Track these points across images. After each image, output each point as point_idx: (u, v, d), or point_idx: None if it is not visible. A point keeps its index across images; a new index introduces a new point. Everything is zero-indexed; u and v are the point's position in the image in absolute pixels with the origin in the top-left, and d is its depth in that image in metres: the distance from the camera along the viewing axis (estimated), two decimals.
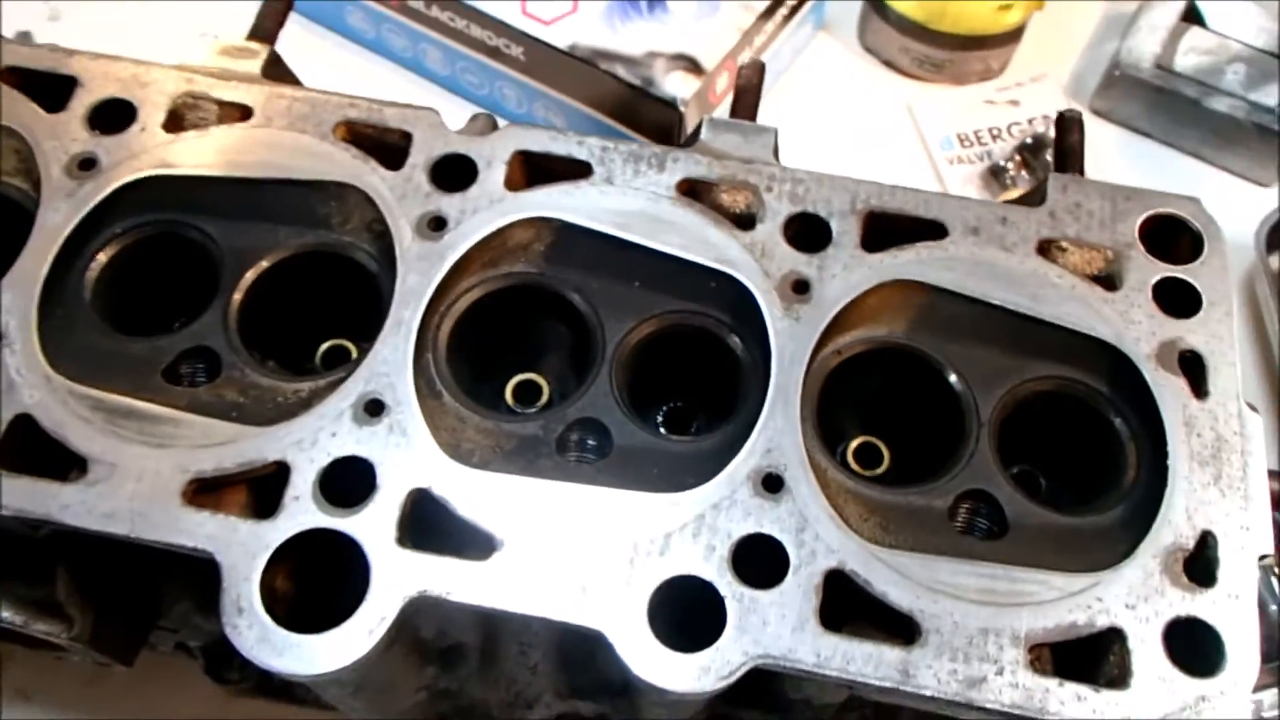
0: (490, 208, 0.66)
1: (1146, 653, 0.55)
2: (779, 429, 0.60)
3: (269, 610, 0.55)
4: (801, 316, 0.63)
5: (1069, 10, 1.32)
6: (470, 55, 1.13)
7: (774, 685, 0.64)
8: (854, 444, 0.68)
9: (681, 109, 1.02)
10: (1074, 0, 1.33)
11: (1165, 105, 1.18)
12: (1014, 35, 1.21)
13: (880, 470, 0.68)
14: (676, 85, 1.03)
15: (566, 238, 0.66)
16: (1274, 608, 0.89)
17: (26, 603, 0.62)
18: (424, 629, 0.64)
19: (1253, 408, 0.61)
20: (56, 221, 0.65)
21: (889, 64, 1.26)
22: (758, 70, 0.74)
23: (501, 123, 0.70)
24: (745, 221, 0.66)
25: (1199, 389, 0.62)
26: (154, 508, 0.57)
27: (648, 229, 0.65)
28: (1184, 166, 1.20)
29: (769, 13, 1.11)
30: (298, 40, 0.91)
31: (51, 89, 0.69)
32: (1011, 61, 1.25)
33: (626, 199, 0.66)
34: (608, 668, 0.62)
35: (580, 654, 0.69)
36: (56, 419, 0.59)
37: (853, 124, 1.20)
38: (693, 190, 0.67)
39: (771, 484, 0.58)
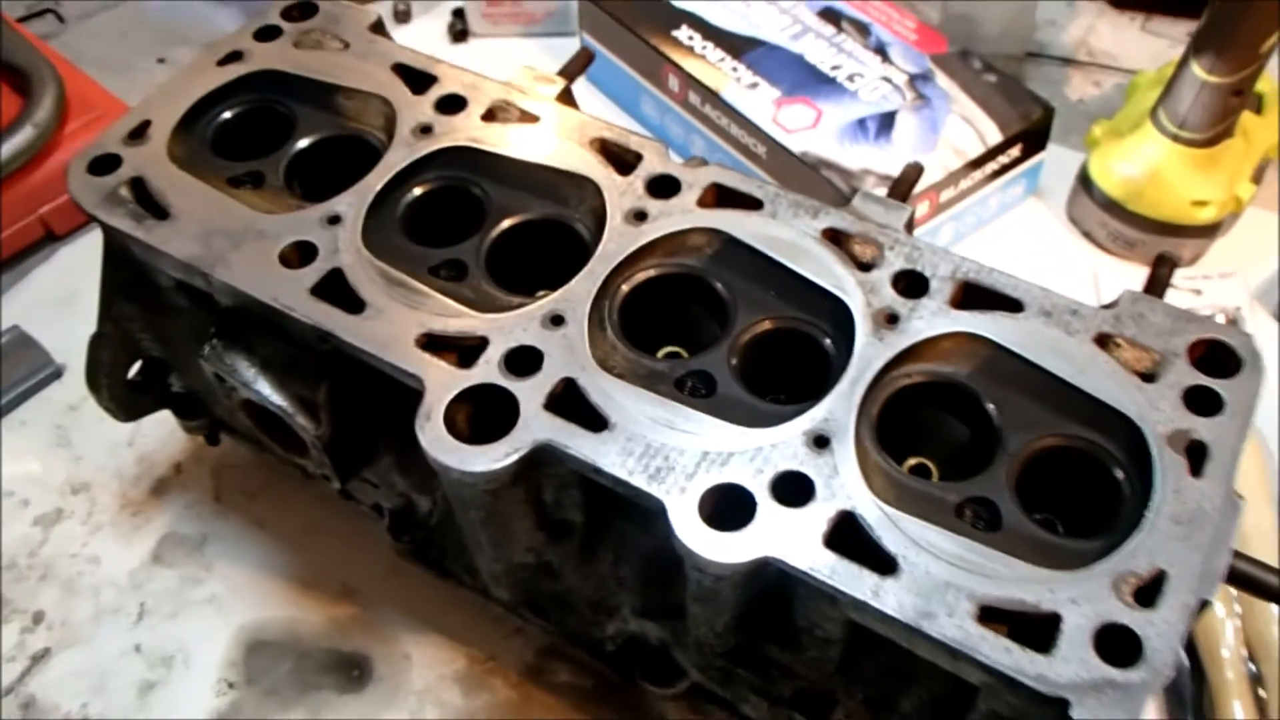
0: (681, 215, 0.89)
1: (1076, 637, 0.67)
2: (839, 407, 0.78)
3: (447, 425, 0.78)
4: (885, 339, 0.81)
5: None
6: (726, 149, 1.40)
7: (785, 612, 0.79)
8: (910, 462, 0.84)
9: None
10: None
11: None
12: (1208, 231, 1.33)
13: None
14: None
15: (730, 248, 0.88)
16: None
17: (297, 398, 0.89)
18: (545, 490, 0.85)
19: (1240, 497, 0.73)
20: (395, 160, 0.94)
21: (1087, 235, 1.41)
22: (916, 169, 0.95)
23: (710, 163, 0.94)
24: (866, 267, 0.86)
25: (1196, 471, 0.74)
26: (396, 342, 0.83)
27: (790, 254, 0.86)
28: None
29: (976, 164, 1.30)
30: (601, 112, 1.20)
31: (419, 80, 1.00)
32: (1205, 254, 1.36)
33: (782, 230, 0.88)
34: (679, 591, 0.81)
35: (660, 575, 0.87)
36: (356, 277, 0.87)
37: (1038, 277, 1.35)
38: (835, 237, 0.88)
39: (820, 442, 0.76)
